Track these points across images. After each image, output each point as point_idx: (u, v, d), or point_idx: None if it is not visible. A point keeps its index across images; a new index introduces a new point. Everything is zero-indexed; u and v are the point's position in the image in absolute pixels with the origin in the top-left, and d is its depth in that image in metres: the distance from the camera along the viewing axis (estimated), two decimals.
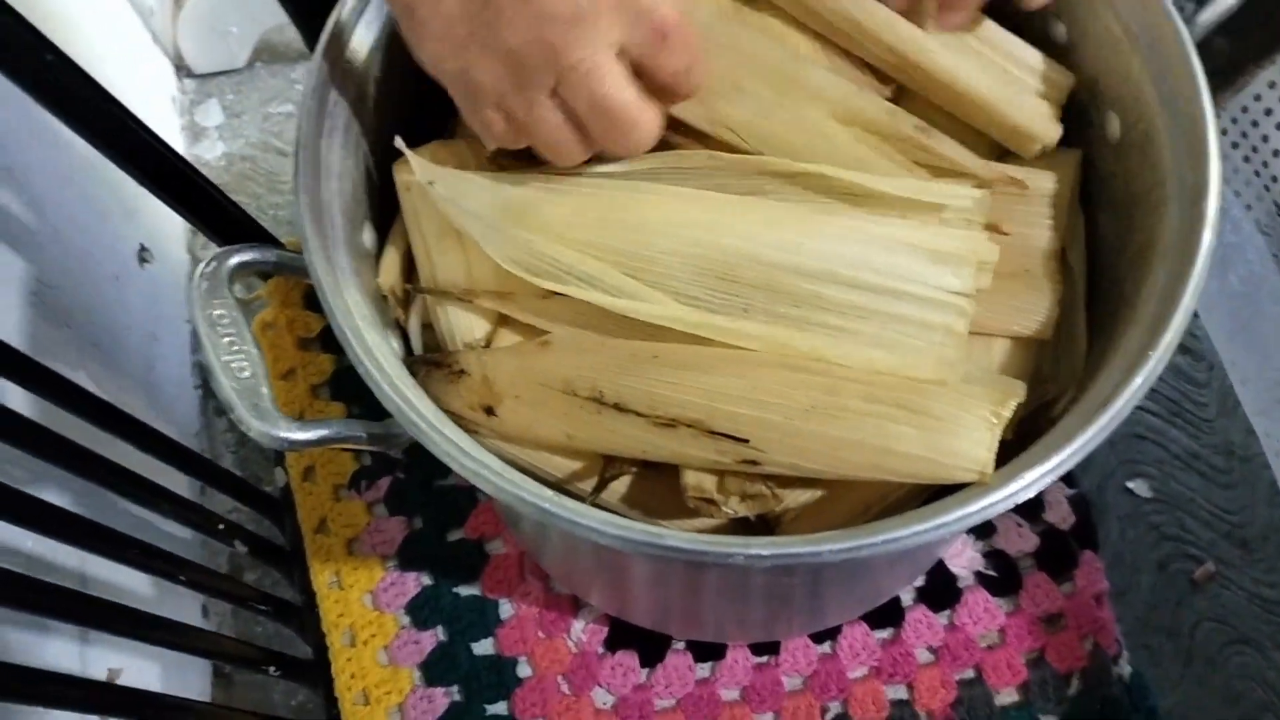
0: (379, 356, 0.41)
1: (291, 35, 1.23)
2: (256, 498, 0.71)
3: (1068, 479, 0.68)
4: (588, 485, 0.45)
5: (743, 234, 0.43)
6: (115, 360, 0.95)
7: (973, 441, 0.40)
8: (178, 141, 1.21)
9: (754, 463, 0.42)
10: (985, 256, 0.43)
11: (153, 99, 1.18)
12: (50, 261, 0.87)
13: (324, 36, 0.46)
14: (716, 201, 0.45)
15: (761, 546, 0.38)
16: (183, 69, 1.24)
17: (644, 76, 0.40)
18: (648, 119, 0.41)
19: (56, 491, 0.70)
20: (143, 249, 1.04)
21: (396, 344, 0.46)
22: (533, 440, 0.44)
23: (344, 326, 0.41)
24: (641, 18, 0.38)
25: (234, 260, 0.43)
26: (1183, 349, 0.79)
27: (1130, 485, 0.76)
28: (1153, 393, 0.79)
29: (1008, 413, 0.41)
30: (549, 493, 0.39)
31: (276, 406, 0.40)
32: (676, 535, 0.38)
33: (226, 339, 0.41)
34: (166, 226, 1.10)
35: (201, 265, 0.42)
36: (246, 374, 0.41)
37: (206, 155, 1.20)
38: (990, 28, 0.49)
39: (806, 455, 0.41)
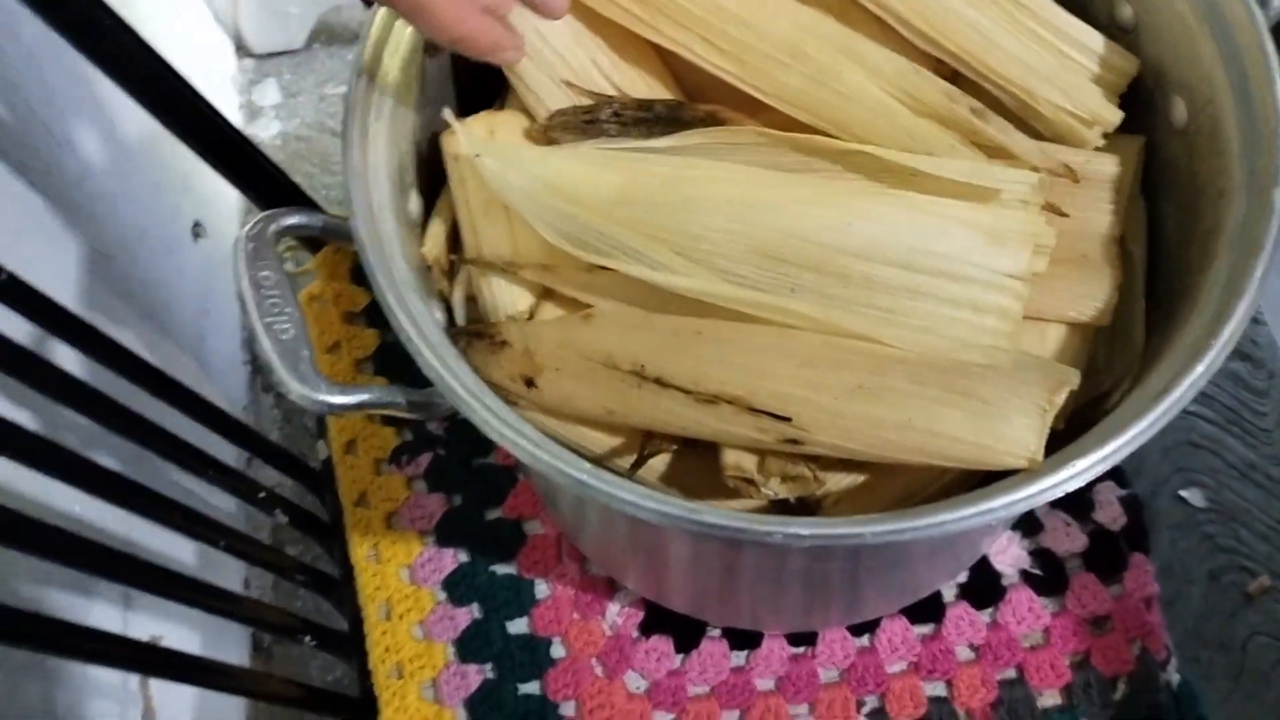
0: (421, 324, 0.41)
1: (349, 17, 1.23)
2: (300, 471, 0.72)
3: (1120, 479, 0.66)
4: (626, 461, 0.45)
5: (791, 213, 0.42)
6: (168, 332, 0.96)
7: (1022, 427, 0.39)
8: (235, 120, 1.23)
9: (796, 442, 0.41)
10: (1042, 239, 0.42)
11: (212, 77, 1.20)
12: (107, 233, 0.89)
13: (375, 10, 0.47)
14: (765, 179, 0.44)
15: (801, 526, 0.37)
16: (242, 49, 1.26)
17: None
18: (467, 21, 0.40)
19: (107, 456, 0.71)
20: (196, 224, 1.06)
21: (439, 314, 0.46)
22: (573, 413, 0.44)
23: (387, 292, 0.41)
24: None
25: (280, 223, 0.43)
26: (1242, 356, 0.77)
27: (1184, 494, 0.74)
28: (1210, 400, 0.77)
29: (1060, 399, 0.40)
30: (587, 465, 0.38)
31: (318, 369, 0.40)
32: (715, 511, 0.37)
33: (270, 301, 0.41)
34: (220, 202, 1.11)
35: (247, 227, 0.42)
36: (289, 336, 0.41)
37: (262, 134, 1.21)
38: (1050, 9, 0.48)
39: (850, 436, 0.40)
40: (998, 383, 0.40)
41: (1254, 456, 0.75)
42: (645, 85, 0.49)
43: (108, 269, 0.87)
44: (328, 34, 1.25)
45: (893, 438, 0.40)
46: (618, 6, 0.47)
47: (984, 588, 0.62)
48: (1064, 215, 0.46)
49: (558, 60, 0.48)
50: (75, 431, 0.66)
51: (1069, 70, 0.48)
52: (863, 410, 0.40)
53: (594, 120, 0.48)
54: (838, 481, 0.44)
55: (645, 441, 0.45)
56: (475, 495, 0.65)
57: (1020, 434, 0.39)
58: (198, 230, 1.06)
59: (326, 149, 1.16)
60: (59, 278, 0.78)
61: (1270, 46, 0.42)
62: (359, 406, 0.41)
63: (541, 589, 0.63)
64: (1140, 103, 0.49)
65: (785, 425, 0.41)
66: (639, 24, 0.47)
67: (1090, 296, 0.47)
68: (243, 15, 1.23)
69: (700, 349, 0.42)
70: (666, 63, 0.50)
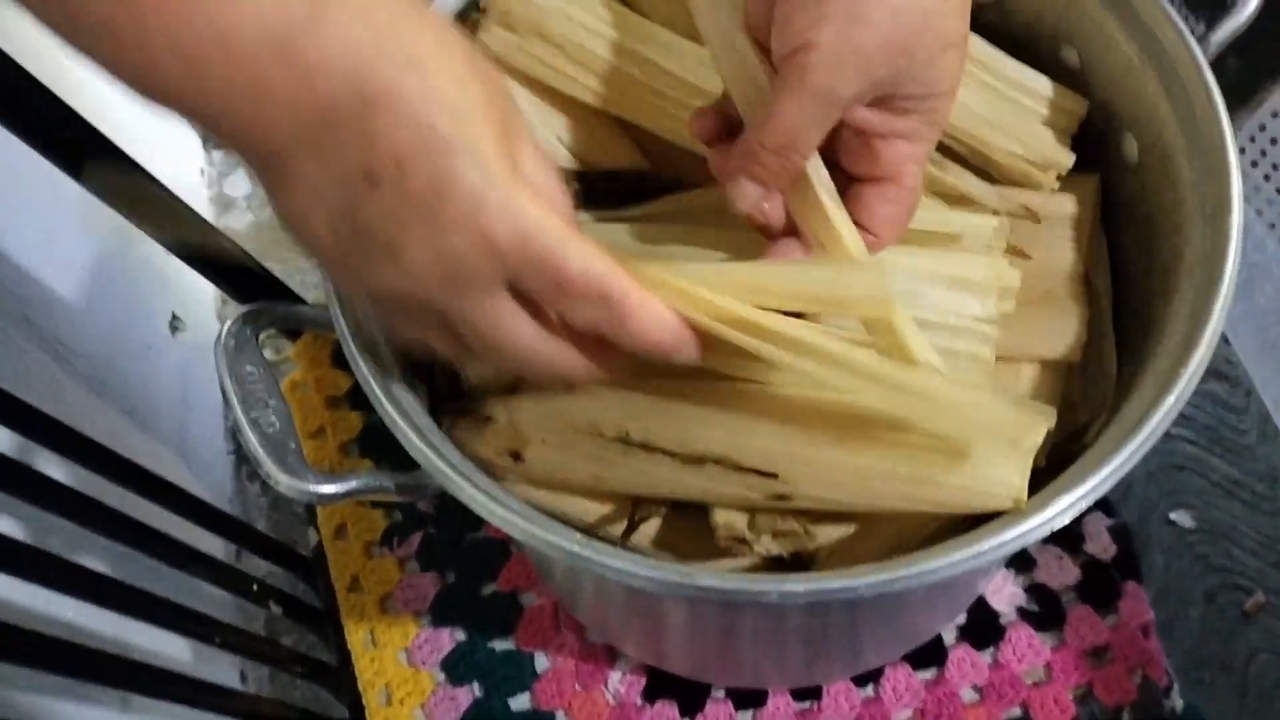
0: (405, 406, 0.41)
1: None
2: (291, 559, 0.71)
3: (1107, 509, 0.66)
4: (617, 529, 0.45)
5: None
6: (148, 428, 0.95)
7: (1005, 467, 0.39)
8: (206, 212, 1.23)
9: (784, 497, 0.41)
10: (1007, 281, 0.43)
11: (181, 172, 1.20)
12: (82, 331, 0.89)
13: None
14: (729, 238, 0.45)
15: (795, 583, 0.37)
16: (210, 141, 1.26)
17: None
18: (561, 357, 0.36)
19: (94, 558, 0.71)
20: (174, 317, 1.06)
21: (422, 393, 0.47)
22: (561, 483, 0.44)
23: (369, 377, 0.41)
24: (534, 272, 0.33)
25: (261, 317, 0.44)
26: (1218, 375, 0.78)
27: (1173, 517, 0.75)
28: (1190, 421, 0.78)
29: (1039, 437, 0.40)
30: (578, 536, 0.39)
31: (305, 460, 0.41)
32: (709, 574, 0.38)
33: (254, 395, 0.41)
34: (198, 294, 1.11)
35: (229, 323, 0.43)
36: (275, 429, 0.41)
37: (235, 225, 1.21)
38: (999, 58, 0.49)
39: (837, 487, 0.41)
40: (977, 427, 0.40)
41: (1238, 474, 0.76)
42: (610, 158, 0.50)
43: (84, 367, 0.86)
44: None
45: (878, 486, 0.41)
46: (578, 84, 0.48)
47: (983, 628, 0.62)
48: (1027, 257, 0.47)
49: None
50: (60, 534, 0.65)
51: (1020, 116, 0.49)
52: (847, 461, 0.41)
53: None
54: (828, 534, 0.44)
55: (635, 508, 0.45)
56: (469, 572, 0.65)
57: (1004, 474, 0.40)
58: (175, 323, 1.06)
59: None
60: (35, 379, 0.78)
61: (1211, 80, 0.44)
62: (348, 494, 0.41)
63: (542, 662, 0.62)
64: (1093, 142, 0.51)
65: (772, 481, 0.41)
66: (600, 99, 0.48)
67: (1060, 334, 0.48)
68: None
69: (684, 411, 0.42)
70: (630, 134, 0.51)
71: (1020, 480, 0.39)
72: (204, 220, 0.66)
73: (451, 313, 0.34)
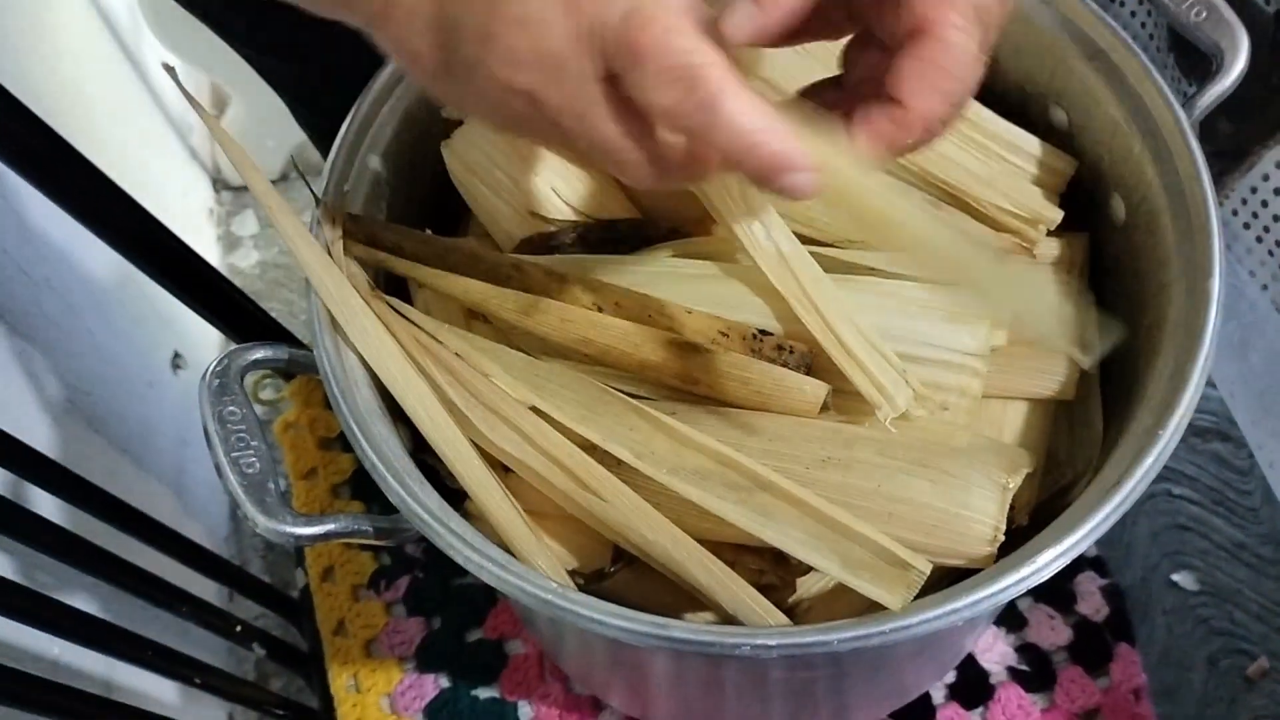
0: (386, 450, 0.42)
1: None
2: (280, 601, 0.71)
3: (1100, 568, 0.66)
4: (597, 574, 0.45)
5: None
6: (147, 465, 0.96)
7: (984, 498, 0.40)
8: (214, 250, 1.25)
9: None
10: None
11: (191, 210, 1.22)
12: (86, 369, 0.90)
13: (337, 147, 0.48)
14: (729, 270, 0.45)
15: (769, 636, 0.37)
16: (220, 181, 1.28)
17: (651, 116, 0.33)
18: (634, 158, 0.34)
19: (83, 596, 0.71)
20: (176, 355, 1.07)
21: (406, 437, 0.47)
22: (541, 509, 0.44)
23: (351, 421, 0.41)
24: (614, 39, 0.31)
25: (245, 358, 0.44)
26: (1222, 436, 0.77)
27: (1175, 578, 0.74)
28: (1194, 482, 0.77)
29: (1017, 479, 0.40)
30: (553, 584, 0.38)
31: (284, 502, 0.41)
32: (683, 626, 0.37)
33: (236, 436, 0.42)
34: (200, 333, 1.12)
35: (213, 363, 0.43)
36: (255, 470, 0.41)
37: (242, 263, 1.23)
38: (989, 117, 0.50)
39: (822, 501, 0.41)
40: (960, 460, 0.40)
41: (1242, 536, 0.75)
42: (604, 209, 0.51)
43: (85, 404, 0.87)
44: (304, 164, 1.28)
45: (862, 504, 0.40)
46: None
47: (972, 687, 0.61)
48: None
49: (517, 190, 0.49)
50: (52, 572, 0.65)
51: (1010, 174, 0.49)
52: (832, 479, 0.41)
53: (558, 244, 0.49)
54: (809, 587, 0.44)
55: (616, 552, 0.45)
56: (455, 617, 0.65)
57: (982, 504, 0.40)
58: (177, 361, 1.07)
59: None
60: (34, 416, 0.79)
61: (1195, 145, 0.44)
62: (326, 536, 0.41)
63: (525, 711, 0.62)
64: (1082, 201, 0.51)
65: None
66: None
67: (1050, 373, 0.48)
68: (220, 150, 1.26)
69: (672, 430, 0.42)
70: (621, 186, 0.52)
71: (998, 512, 0.39)
72: (205, 261, 0.67)
73: (547, 103, 0.32)
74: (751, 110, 0.31)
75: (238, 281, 1.22)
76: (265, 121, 1.23)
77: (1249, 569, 0.74)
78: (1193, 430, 0.78)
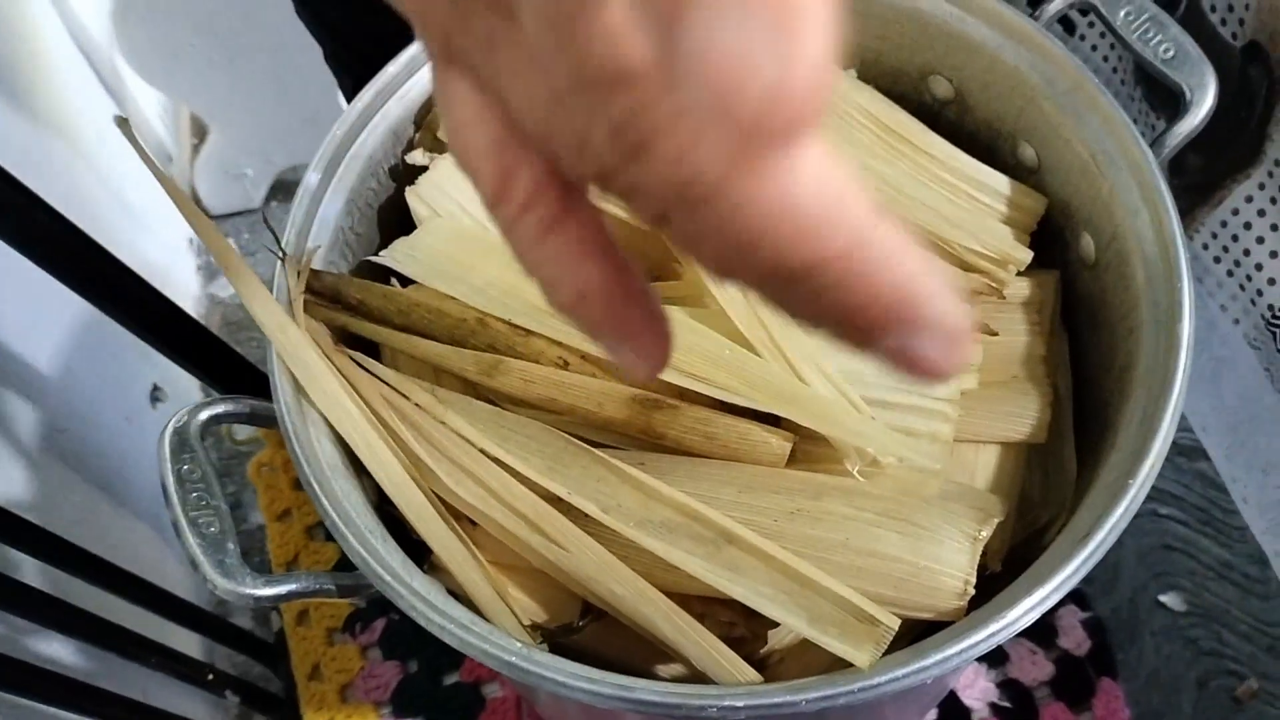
0: (347, 507, 0.41)
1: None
2: (257, 646, 0.70)
3: (1081, 602, 0.66)
4: (565, 629, 0.44)
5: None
6: (126, 502, 0.95)
7: (955, 550, 0.39)
8: (194, 281, 1.24)
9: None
10: (970, 358, 0.43)
11: (169, 241, 1.21)
12: (62, 405, 0.89)
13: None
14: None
15: (735, 698, 0.36)
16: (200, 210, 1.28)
17: None
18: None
19: (55, 646, 0.70)
20: (155, 389, 1.05)
21: (372, 489, 0.46)
22: (509, 562, 0.44)
23: (310, 477, 0.41)
24: None
25: (204, 414, 0.43)
26: (1208, 456, 0.77)
27: (1163, 599, 0.73)
28: (1180, 501, 0.77)
29: (989, 529, 0.40)
30: (517, 645, 0.38)
31: (243, 563, 0.40)
32: (648, 687, 0.37)
33: (195, 495, 0.41)
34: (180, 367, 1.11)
35: (172, 420, 0.42)
36: (214, 529, 0.40)
37: (222, 294, 1.22)
38: (957, 156, 0.50)
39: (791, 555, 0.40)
40: (930, 510, 0.40)
41: (1229, 555, 0.75)
42: None
43: (61, 441, 0.86)
44: (284, 193, 1.27)
45: (831, 558, 0.40)
46: None
47: None
48: (993, 334, 0.47)
49: (485, 236, 0.49)
50: (8, 624, 0.64)
51: (978, 213, 0.49)
52: (802, 531, 0.40)
53: None
54: (779, 639, 0.43)
55: (585, 606, 0.45)
56: (432, 660, 0.64)
57: (953, 556, 0.39)
58: (156, 395, 1.06)
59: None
60: (7, 456, 0.78)
61: (1164, 185, 0.44)
62: (287, 597, 0.40)
63: None
64: (1052, 240, 0.51)
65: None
66: None
67: (1022, 415, 0.47)
68: (198, 178, 1.25)
69: (640, 483, 0.42)
70: None
71: (969, 565, 0.39)
72: (177, 307, 0.66)
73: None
74: None
75: (218, 311, 1.21)
76: (244, 151, 1.22)
77: (1237, 588, 0.73)
78: (1178, 450, 0.78)
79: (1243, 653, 0.71)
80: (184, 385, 1.13)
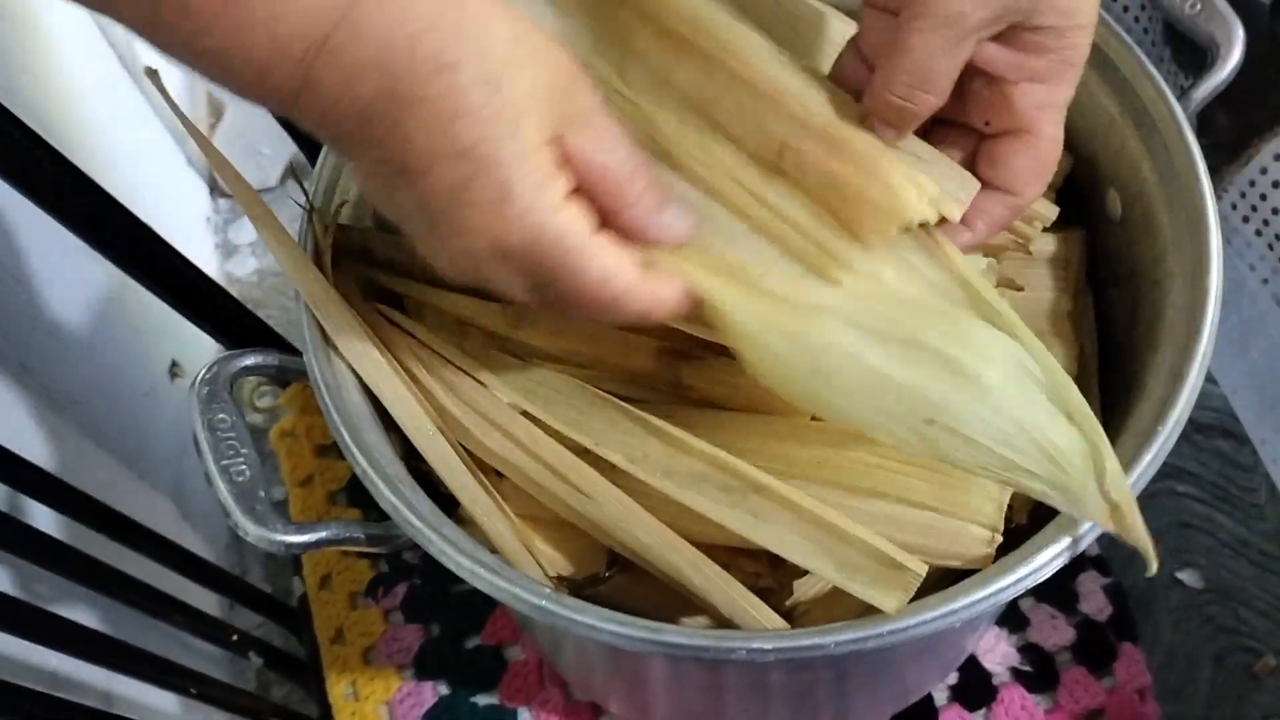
0: (377, 456, 0.41)
1: None
2: (279, 610, 0.71)
3: (1102, 567, 0.65)
4: (592, 580, 0.44)
5: None
6: (145, 474, 0.95)
7: (982, 498, 0.39)
8: (211, 259, 1.24)
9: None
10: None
11: (187, 219, 1.22)
12: (82, 378, 0.89)
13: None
14: None
15: (765, 640, 0.36)
16: (216, 190, 1.28)
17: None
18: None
19: (82, 606, 0.70)
20: (174, 364, 1.06)
21: (399, 443, 0.46)
22: (536, 514, 0.44)
23: (341, 427, 0.41)
24: (551, 273, 0.34)
25: (235, 365, 0.44)
26: (1225, 433, 0.76)
27: (1180, 576, 0.73)
28: (1197, 479, 0.77)
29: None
30: (546, 590, 0.38)
31: (274, 510, 0.40)
32: (677, 631, 0.37)
33: (226, 444, 0.41)
34: (197, 342, 1.11)
35: (202, 371, 0.43)
36: (245, 478, 0.41)
37: (239, 271, 1.23)
38: None
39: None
40: None
41: (1246, 533, 0.75)
42: None
43: (81, 414, 0.87)
44: (301, 171, 1.27)
45: (859, 505, 0.40)
46: None
47: (975, 688, 0.61)
48: (1019, 289, 0.47)
49: None
50: (48, 583, 0.65)
51: None
52: (828, 479, 0.41)
53: None
54: (806, 590, 0.43)
55: (611, 559, 0.45)
56: (454, 624, 0.64)
57: (981, 504, 0.39)
58: (175, 370, 1.07)
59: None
60: (29, 428, 0.78)
61: (1192, 139, 0.44)
62: (318, 544, 0.41)
63: (525, 718, 0.61)
64: (1079, 197, 0.51)
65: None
66: None
67: None
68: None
69: (665, 434, 0.42)
70: None
71: (996, 511, 0.39)
72: (199, 270, 0.66)
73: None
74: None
75: (235, 289, 1.22)
76: (261, 129, 1.23)
77: (1254, 566, 0.73)
78: (1196, 427, 0.78)
79: (1260, 629, 0.71)
80: (202, 361, 1.13)
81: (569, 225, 0.33)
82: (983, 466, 0.35)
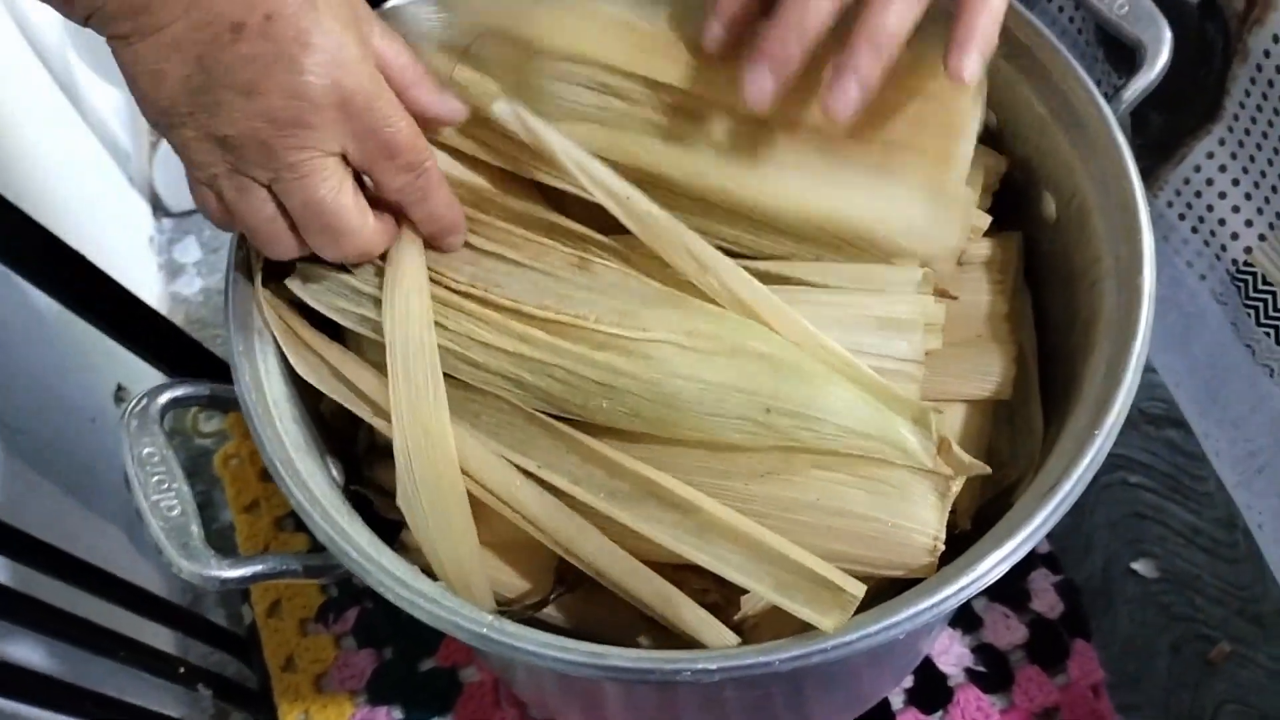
0: (312, 486, 0.40)
1: None
2: (230, 639, 0.70)
3: (1053, 565, 0.66)
4: (537, 603, 0.44)
5: None
6: (94, 504, 0.94)
7: (926, 506, 0.39)
8: (156, 279, 1.22)
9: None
10: (932, 318, 0.43)
11: (131, 239, 1.20)
12: (23, 406, 0.87)
13: None
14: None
15: (709, 660, 0.36)
16: (160, 209, 1.26)
17: (376, 189, 0.41)
18: (369, 229, 0.41)
19: (24, 643, 0.69)
20: (119, 388, 1.04)
21: (337, 471, 0.46)
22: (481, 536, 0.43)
23: (274, 457, 0.40)
24: (370, 131, 0.38)
25: (164, 396, 0.43)
26: (1174, 422, 0.78)
27: (1135, 566, 0.74)
28: (1149, 469, 0.78)
29: (957, 487, 0.40)
30: (488, 618, 0.38)
31: (207, 545, 0.39)
32: (621, 654, 0.37)
33: (156, 478, 0.40)
34: (144, 365, 1.10)
35: (131, 403, 0.42)
36: (176, 512, 0.40)
37: (185, 291, 1.21)
38: None
39: (760, 520, 0.40)
40: (899, 468, 0.40)
41: (1198, 521, 0.76)
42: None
43: (24, 443, 0.85)
44: None
45: (802, 519, 0.40)
46: (497, 151, 0.48)
47: (930, 691, 0.61)
48: (954, 298, 0.47)
49: None
50: None
51: None
52: (773, 493, 0.41)
53: None
54: (753, 605, 0.43)
55: (557, 581, 0.44)
56: (406, 647, 0.64)
57: (923, 513, 0.39)
58: (120, 394, 1.05)
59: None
60: None
61: (1122, 140, 0.44)
62: (254, 578, 0.40)
63: None
64: (1015, 199, 0.51)
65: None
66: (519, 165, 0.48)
67: (987, 373, 0.47)
68: (158, 177, 1.24)
69: (604, 458, 0.41)
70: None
71: (938, 521, 0.39)
72: (135, 296, 0.65)
73: (285, 158, 0.37)
74: (448, 196, 0.43)
75: (181, 310, 1.20)
76: None
77: (1206, 553, 0.74)
78: (1145, 418, 0.79)
79: (1214, 616, 0.72)
80: (148, 383, 1.11)
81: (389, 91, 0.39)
82: (824, 438, 0.40)
